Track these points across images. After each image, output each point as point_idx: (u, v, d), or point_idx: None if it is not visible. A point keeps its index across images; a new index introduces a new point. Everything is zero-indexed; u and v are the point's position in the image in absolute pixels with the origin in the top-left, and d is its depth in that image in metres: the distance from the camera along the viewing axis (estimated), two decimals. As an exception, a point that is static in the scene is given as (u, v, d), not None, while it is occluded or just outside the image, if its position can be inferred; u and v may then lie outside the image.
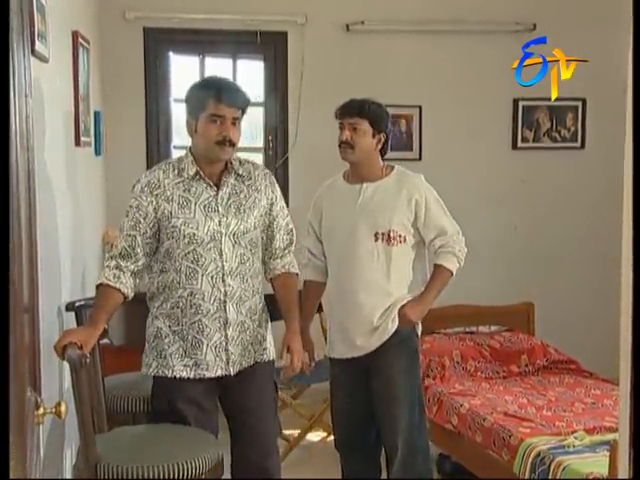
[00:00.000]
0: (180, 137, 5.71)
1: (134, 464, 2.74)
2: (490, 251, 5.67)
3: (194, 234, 2.94)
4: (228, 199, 3.02)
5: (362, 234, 3.40)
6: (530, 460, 3.47)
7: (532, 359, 4.80)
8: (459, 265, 3.42)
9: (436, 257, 3.43)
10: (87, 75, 4.31)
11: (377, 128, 3.43)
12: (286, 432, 4.83)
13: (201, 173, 2.98)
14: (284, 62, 5.57)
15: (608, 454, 2.82)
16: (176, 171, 2.99)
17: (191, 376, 3.02)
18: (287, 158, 5.61)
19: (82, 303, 3.64)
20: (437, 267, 3.43)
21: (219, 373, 3.05)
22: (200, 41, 5.56)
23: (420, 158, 5.50)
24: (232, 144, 2.95)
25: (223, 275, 2.98)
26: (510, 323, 5.12)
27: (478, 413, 4.00)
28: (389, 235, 3.38)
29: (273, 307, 3.26)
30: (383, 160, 3.51)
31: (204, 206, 2.97)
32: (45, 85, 3.25)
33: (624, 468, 1.51)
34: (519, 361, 4.79)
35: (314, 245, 3.59)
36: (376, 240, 3.39)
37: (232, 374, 3.06)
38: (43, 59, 3.12)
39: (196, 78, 5.49)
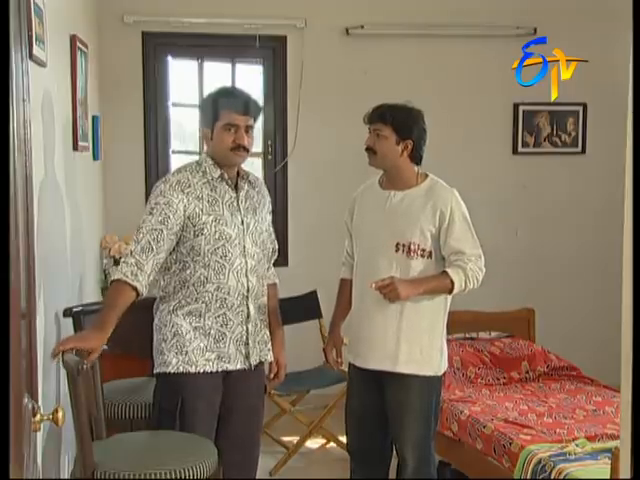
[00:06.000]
0: (179, 142, 5.71)
1: (132, 471, 2.72)
2: (491, 257, 5.61)
3: (224, 230, 3.06)
4: (245, 201, 3.17)
5: (384, 243, 3.33)
6: (531, 467, 3.45)
7: (533, 365, 4.79)
8: (464, 285, 3.26)
9: (446, 267, 3.31)
10: (85, 79, 4.31)
11: (401, 135, 3.35)
12: (285, 439, 4.82)
13: (225, 175, 3.12)
14: (283, 66, 5.57)
15: (609, 461, 2.80)
16: (200, 173, 3.11)
17: (214, 370, 3.09)
18: (286, 163, 5.60)
19: (80, 309, 3.63)
20: (442, 272, 3.29)
21: (239, 366, 3.15)
22: (199, 45, 5.56)
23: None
24: (246, 150, 3.11)
25: (246, 271, 3.12)
26: (510, 329, 5.10)
27: (478, 420, 3.98)
28: (409, 247, 3.29)
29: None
30: (418, 166, 3.45)
31: (228, 205, 3.11)
32: (43, 89, 3.24)
33: (626, 475, 1.50)
34: (520, 367, 4.77)
35: (349, 245, 3.57)
36: (397, 251, 3.31)
37: (252, 368, 3.17)
38: (41, 63, 3.10)
39: (195, 82, 5.53)
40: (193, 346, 3.06)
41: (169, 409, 3.07)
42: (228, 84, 5.48)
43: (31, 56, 2.85)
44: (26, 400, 1.81)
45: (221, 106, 3.08)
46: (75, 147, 4.02)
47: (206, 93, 3.28)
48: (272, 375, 3.32)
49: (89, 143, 4.51)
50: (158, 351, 3.11)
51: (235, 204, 3.12)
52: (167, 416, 3.07)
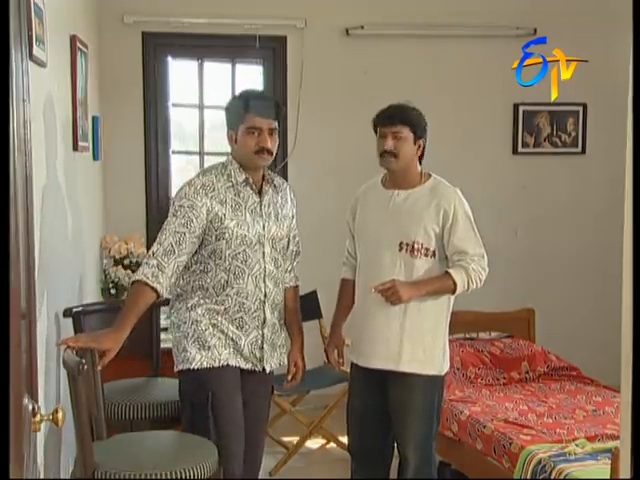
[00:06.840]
0: (179, 142, 5.71)
1: (132, 471, 2.72)
2: (490, 257, 5.61)
3: (245, 235, 3.10)
4: (268, 206, 3.20)
5: (387, 242, 3.33)
6: (531, 468, 3.45)
7: (533, 366, 4.79)
8: (466, 285, 3.27)
9: (449, 268, 3.31)
10: (85, 79, 4.30)
11: (418, 134, 3.37)
12: (285, 439, 4.82)
13: (249, 179, 3.15)
14: (283, 67, 5.56)
15: (609, 462, 2.80)
16: (225, 176, 3.14)
17: (234, 364, 3.13)
18: (286, 163, 5.60)
19: (80, 309, 3.64)
20: (445, 273, 3.30)
21: (250, 367, 3.18)
22: (199, 45, 5.56)
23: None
24: (270, 153, 3.14)
25: (264, 276, 3.16)
26: (510, 329, 5.10)
27: (478, 420, 3.98)
28: (413, 246, 3.29)
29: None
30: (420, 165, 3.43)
31: (251, 210, 3.14)
32: (43, 90, 3.24)
33: (626, 475, 1.50)
34: (520, 368, 4.77)
35: (351, 244, 3.56)
36: (400, 250, 3.30)
37: (267, 371, 3.21)
38: (41, 64, 3.10)
39: (195, 83, 5.52)
40: (214, 341, 3.10)
41: (201, 404, 3.07)
42: (229, 84, 5.49)
43: (31, 56, 2.85)
44: (26, 400, 1.81)
45: (244, 109, 3.12)
46: (75, 147, 4.02)
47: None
48: (290, 377, 3.34)
49: (89, 143, 4.51)
50: (179, 348, 3.13)
51: (258, 209, 3.15)
52: (200, 411, 3.07)
